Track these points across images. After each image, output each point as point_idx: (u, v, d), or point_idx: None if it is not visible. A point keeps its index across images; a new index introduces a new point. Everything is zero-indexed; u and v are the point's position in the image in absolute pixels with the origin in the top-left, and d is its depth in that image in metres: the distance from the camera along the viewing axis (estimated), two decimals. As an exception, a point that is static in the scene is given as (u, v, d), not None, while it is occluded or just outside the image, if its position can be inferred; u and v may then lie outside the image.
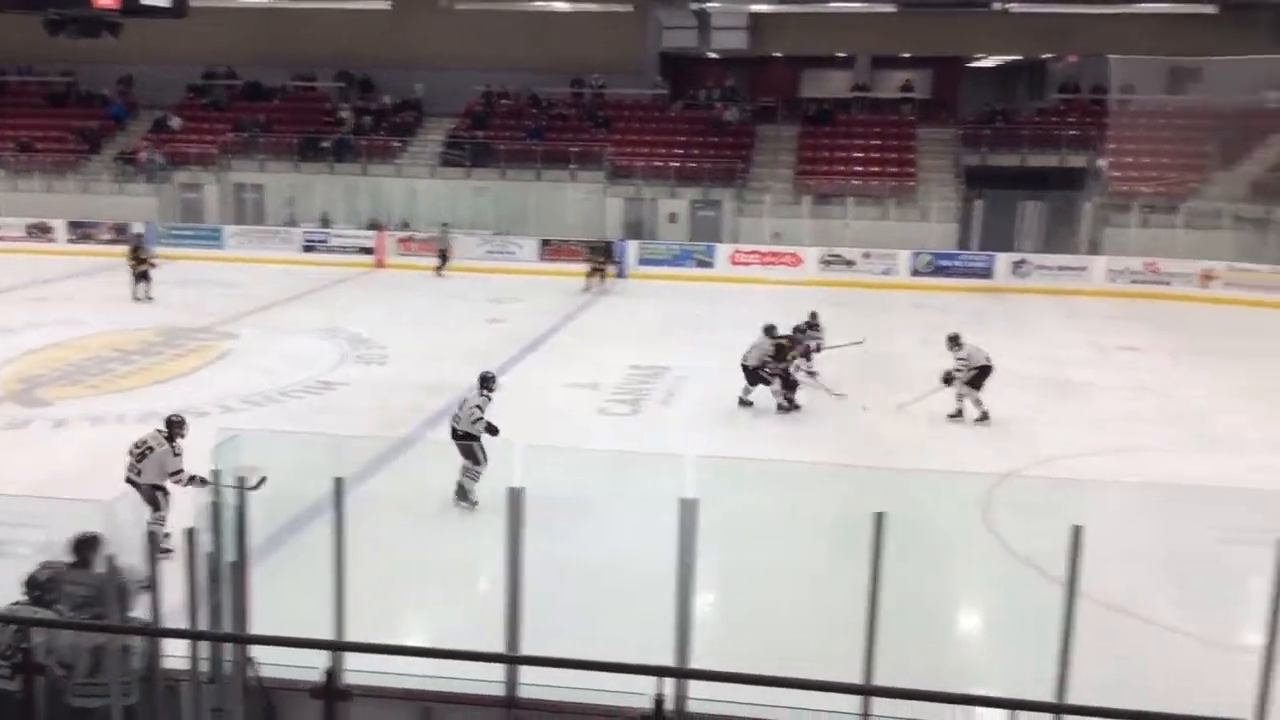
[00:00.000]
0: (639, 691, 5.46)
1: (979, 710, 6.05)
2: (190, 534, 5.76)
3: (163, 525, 9.76)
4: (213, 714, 5.78)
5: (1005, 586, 10.15)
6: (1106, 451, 14.34)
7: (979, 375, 15.16)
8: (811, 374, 16.83)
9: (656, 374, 17.88)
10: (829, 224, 29.37)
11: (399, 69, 34.32)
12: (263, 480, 10.54)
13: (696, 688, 5.93)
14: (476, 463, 11.56)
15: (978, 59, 36.47)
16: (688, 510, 5.72)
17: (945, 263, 28.17)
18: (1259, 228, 27.45)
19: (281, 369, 17.65)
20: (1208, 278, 26.64)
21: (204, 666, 5.83)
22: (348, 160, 32.62)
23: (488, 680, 5.96)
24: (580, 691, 5.85)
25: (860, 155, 32.14)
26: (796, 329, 16.60)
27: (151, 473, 9.96)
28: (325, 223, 31.32)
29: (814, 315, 17.56)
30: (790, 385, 15.82)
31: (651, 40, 34.46)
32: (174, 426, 10.18)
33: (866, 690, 5.70)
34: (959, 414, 15.27)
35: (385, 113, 34.38)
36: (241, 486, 10.42)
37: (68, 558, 6.36)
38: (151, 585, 5.64)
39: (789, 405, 15.80)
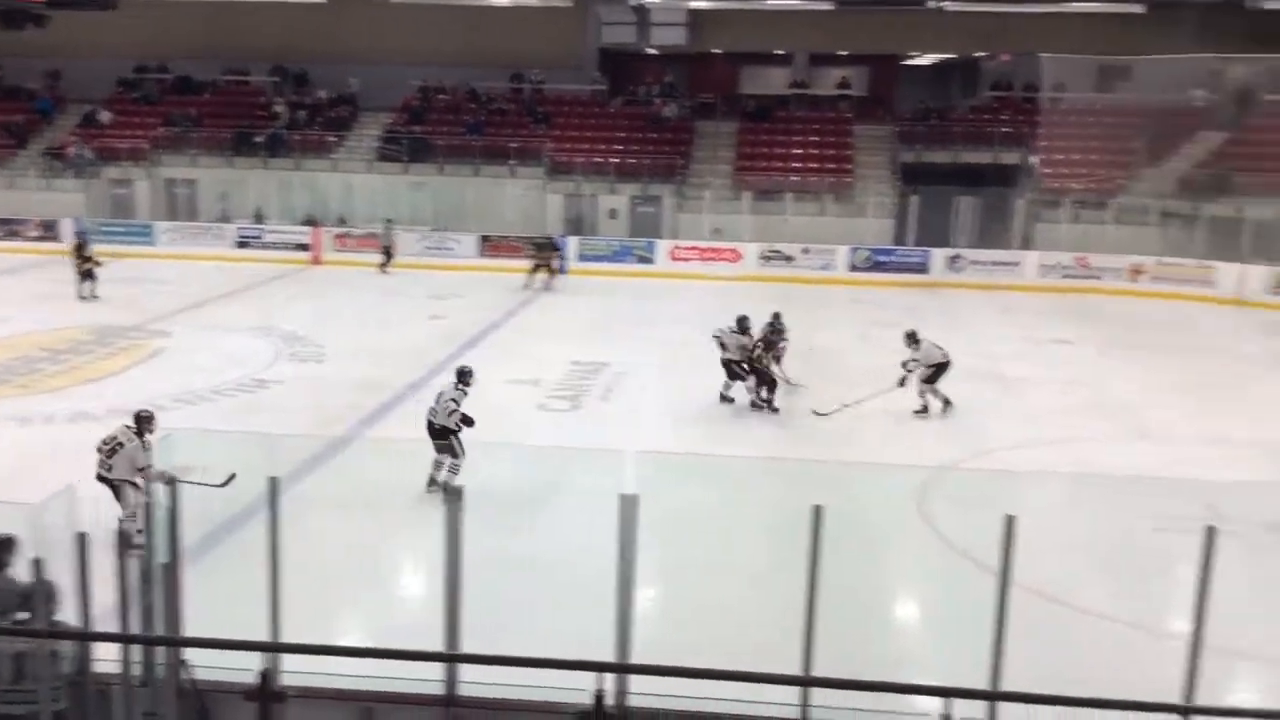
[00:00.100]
0: (579, 687, 5.46)
1: (915, 698, 6.11)
2: (120, 535, 5.65)
3: (134, 521, 9.65)
4: (145, 718, 5.68)
5: (941, 577, 10.29)
6: (1040, 444, 14.59)
7: (936, 371, 15.31)
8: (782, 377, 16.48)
9: (597, 370, 17.87)
10: (768, 220, 29.56)
11: (334, 63, 33.93)
12: (232, 477, 10.51)
13: (637, 682, 5.94)
14: (455, 456, 11.70)
15: (913, 57, 36.87)
16: (627, 505, 5.72)
17: (882, 258, 28.47)
18: (1185, 223, 28.07)
19: (215, 367, 17.38)
20: (1136, 272, 27.20)
21: (136, 670, 5.73)
22: (282, 155, 32.18)
23: (427, 679, 5.92)
24: (521, 689, 5.83)
25: (799, 152, 32.38)
26: (771, 332, 16.12)
27: (122, 468, 9.94)
28: (259, 219, 30.89)
29: (777, 316, 16.99)
30: (770, 385, 15.58)
31: (591, 35, 34.41)
32: (142, 422, 10.19)
33: (805, 681, 5.74)
34: (924, 409, 15.39)
35: (320, 107, 33.98)
36: (211, 484, 10.40)
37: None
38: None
39: (763, 405, 15.61)
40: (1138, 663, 8.17)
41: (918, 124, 32.81)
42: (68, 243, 25.72)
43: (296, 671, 5.84)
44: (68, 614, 5.70)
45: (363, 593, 9.69)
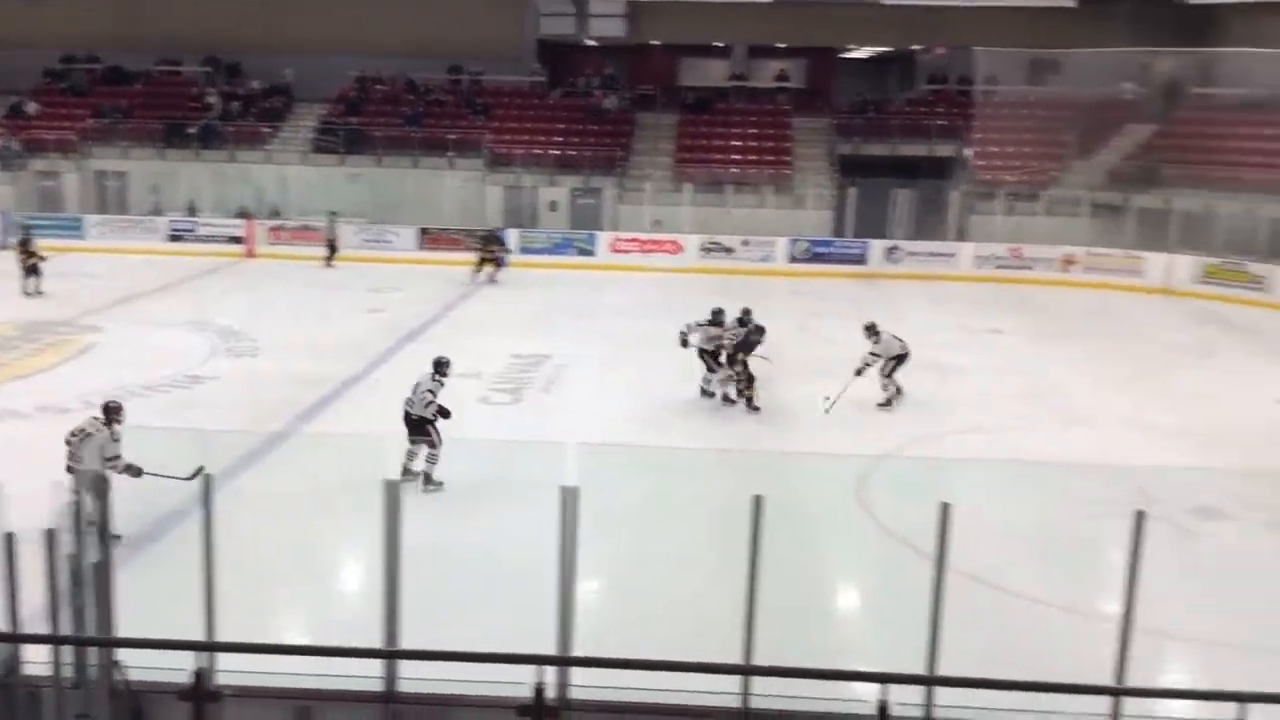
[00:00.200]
0: (521, 681, 5.45)
1: (854, 685, 6.18)
2: (50, 535, 5.53)
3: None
4: (78, 720, 5.58)
5: (880, 564, 10.42)
6: (974, 431, 14.81)
7: (896, 363, 15.42)
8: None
9: (538, 362, 17.83)
10: (709, 212, 29.66)
11: (268, 53, 33.40)
12: (200, 470, 10.33)
13: (579, 675, 5.94)
14: (434, 445, 11.72)
15: (850, 50, 37.17)
16: (569, 498, 5.71)
17: (821, 250, 28.71)
18: (1115, 214, 28.63)
19: (147, 363, 17.06)
20: (1068, 262, 27.70)
21: (67, 672, 5.62)
22: (215, 147, 31.66)
23: (366, 676, 5.88)
24: (462, 684, 5.81)
25: (738, 144, 32.52)
26: (751, 331, 15.45)
27: (92, 459, 9.88)
28: (192, 211, 30.36)
29: (748, 313, 16.44)
30: (749, 382, 15.25)
31: (529, 27, 34.26)
32: (111, 412, 10.18)
33: (745, 670, 5.78)
34: (889, 402, 15.48)
35: (254, 98, 33.46)
36: (178, 477, 10.25)
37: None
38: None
39: (734, 401, 15.46)
40: (1071, 645, 8.35)
41: (855, 117, 33.09)
42: (12, 239, 25.06)
43: (233, 670, 5.77)
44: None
45: (301, 590, 9.59)
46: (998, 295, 25.73)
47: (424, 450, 11.76)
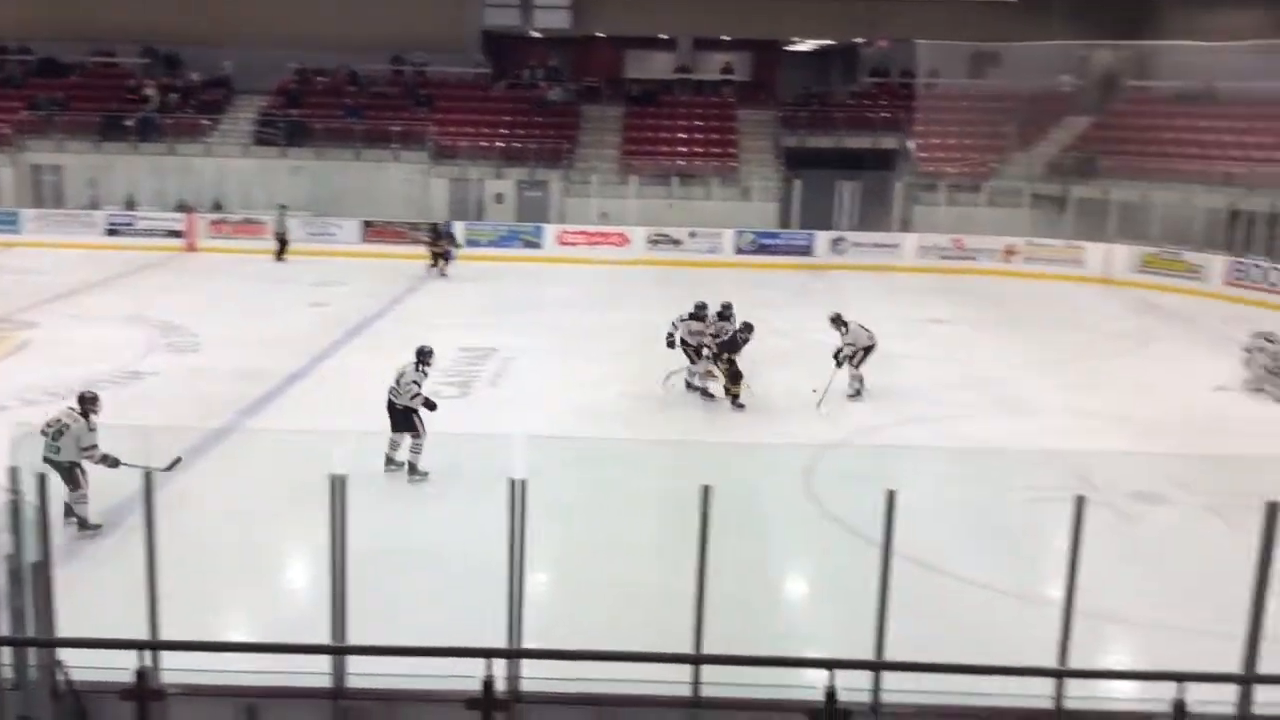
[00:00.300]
0: (470, 675, 5.44)
1: (803, 671, 6.24)
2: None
3: (85, 503, 9.94)
4: (18, 722, 5.49)
5: (827, 552, 10.49)
6: (919, 419, 14.98)
7: (865, 354, 15.51)
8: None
9: (485, 356, 17.74)
10: (655, 204, 29.68)
11: (206, 44, 32.87)
12: (177, 461, 10.23)
13: (530, 667, 5.94)
14: (417, 435, 11.81)
15: (794, 43, 37.35)
16: (517, 490, 5.71)
17: (768, 241, 28.85)
18: (1055, 205, 29.07)
19: (86, 359, 16.73)
20: (1009, 253, 28.07)
21: (8, 673, 5.52)
22: (153, 139, 31.12)
23: (314, 672, 5.83)
24: (411, 679, 5.79)
25: (684, 136, 32.58)
26: (739, 330, 15.19)
27: (70, 450, 9.91)
28: (130, 205, 29.83)
29: (727, 306, 16.25)
30: (736, 379, 14.97)
31: (473, 17, 34.01)
32: (87, 402, 10.16)
33: (696, 659, 5.81)
34: (858, 394, 15.54)
35: (193, 90, 32.93)
36: (155, 468, 10.05)
37: None
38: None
39: (713, 396, 15.31)
40: (1015, 628, 8.48)
41: (800, 109, 33.29)
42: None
43: (179, 669, 5.71)
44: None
45: (247, 587, 9.48)
46: (941, 285, 26.01)
47: (408, 440, 11.85)
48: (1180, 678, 5.34)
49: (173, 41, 33.54)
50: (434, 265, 25.65)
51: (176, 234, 28.87)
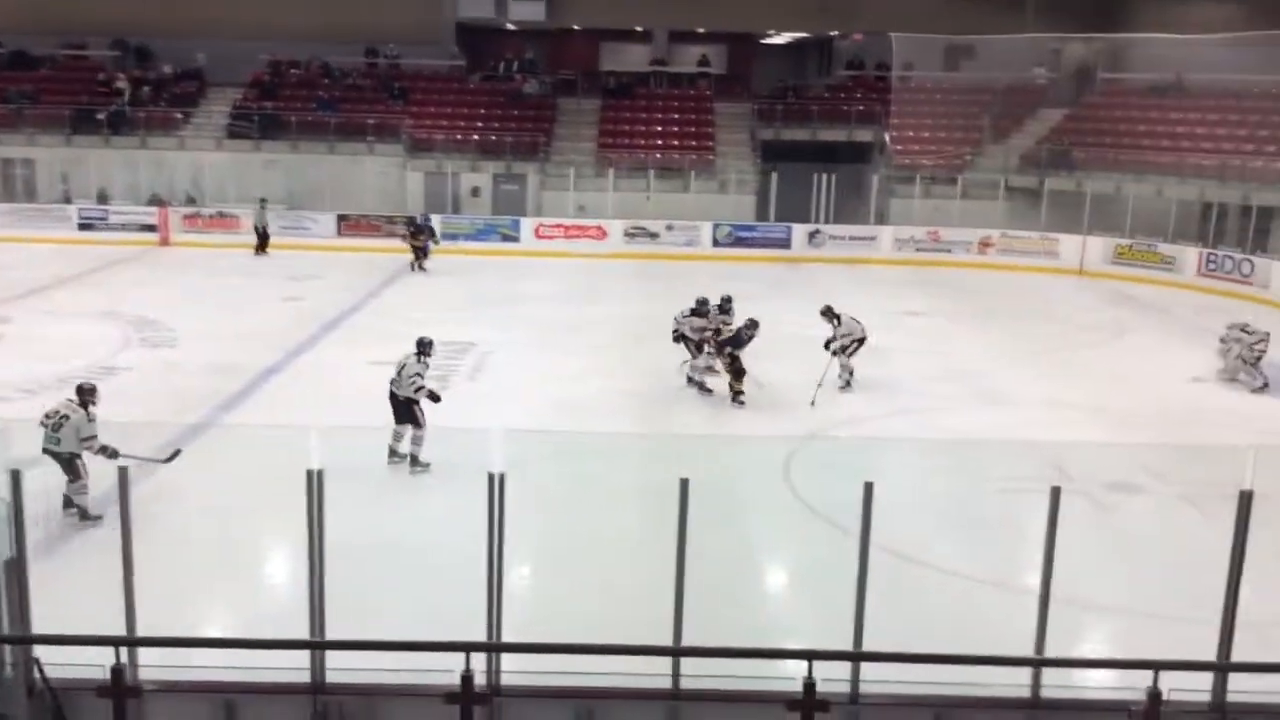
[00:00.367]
0: (450, 669, 5.43)
1: (782, 662, 6.26)
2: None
3: (85, 493, 10.06)
4: (-6, 721, 5.45)
5: (806, 543, 10.54)
6: (896, 411, 15.05)
7: (857, 345, 15.65)
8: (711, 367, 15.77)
9: (464, 350, 17.69)
10: (633, 197, 29.64)
11: (178, 36, 32.60)
12: (177, 453, 10.34)
13: (511, 661, 5.94)
14: (419, 426, 11.85)
15: (770, 35, 37.37)
16: (495, 484, 5.70)
17: (745, 234, 28.88)
18: (1029, 197, 29.22)
19: (60, 354, 16.58)
20: (985, 245, 28.20)
21: (-18, 672, 5.48)
22: (125, 133, 30.83)
23: (293, 668, 5.81)
24: (391, 673, 5.77)
25: (660, 129, 32.55)
26: (745, 326, 15.02)
27: (70, 441, 10.02)
28: (103, 199, 29.56)
29: (728, 299, 16.38)
30: (739, 375, 14.81)
31: (447, 9, 33.87)
32: (85, 394, 10.29)
33: (675, 651, 5.82)
34: (849, 384, 15.65)
35: (165, 82, 32.64)
36: (155, 460, 10.22)
37: None
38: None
39: (711, 391, 15.27)
40: (992, 618, 8.54)
41: (775, 102, 33.31)
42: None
43: (156, 665, 5.67)
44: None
45: (224, 583, 9.43)
46: (917, 278, 26.11)
47: (410, 431, 11.89)
48: (1156, 666, 5.39)
49: (144, 33, 33.25)
50: (416, 261, 25.48)
51: (150, 228, 28.62)
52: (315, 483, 5.71)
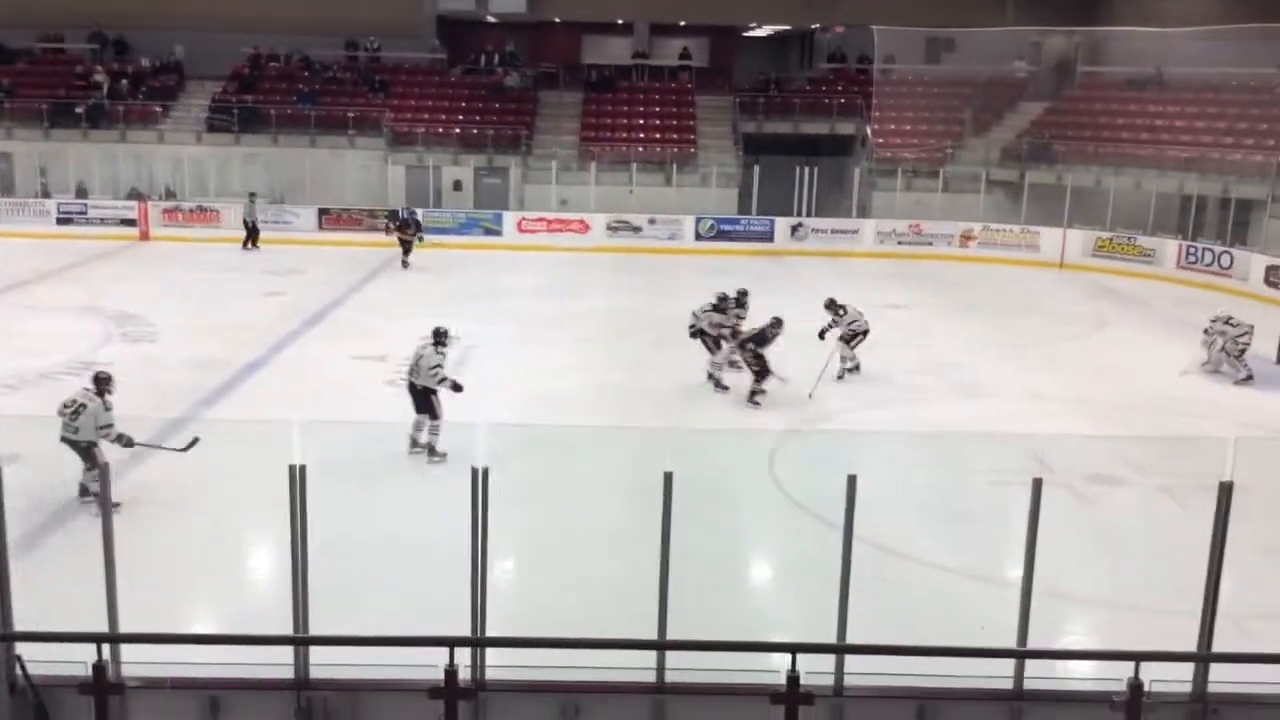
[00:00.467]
0: (435, 664, 5.43)
1: (767, 655, 6.27)
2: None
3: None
4: (-26, 719, 5.42)
5: (790, 536, 10.56)
6: (878, 404, 15.09)
7: (862, 337, 15.90)
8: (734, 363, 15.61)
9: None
10: (615, 190, 29.60)
11: (156, 29, 32.38)
12: (195, 441, 10.42)
13: (495, 656, 5.93)
14: (435, 416, 11.94)
15: (751, 28, 37.36)
16: (479, 478, 5.69)
17: (728, 227, 28.89)
18: (1010, 190, 29.32)
19: (40, 350, 16.47)
20: (966, 238, 28.29)
21: (-38, 670, 5.44)
22: (104, 127, 30.61)
23: (277, 664, 5.79)
24: (375, 668, 5.76)
25: (642, 122, 32.51)
26: (769, 325, 14.81)
27: (88, 430, 10.14)
28: (82, 193, 29.34)
29: (743, 293, 16.31)
30: (763, 374, 14.57)
31: (428, 2, 33.74)
32: (102, 383, 10.49)
33: (660, 645, 5.83)
34: (855, 370, 16.01)
35: (143, 76, 32.41)
36: (173, 449, 10.40)
37: None
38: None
39: (728, 387, 15.17)
40: (975, 610, 8.57)
41: (757, 95, 33.29)
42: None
43: (139, 662, 5.65)
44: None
45: (208, 578, 9.39)
46: (900, 271, 26.17)
47: (427, 422, 11.97)
48: (1137, 657, 5.43)
49: (122, 26, 33.01)
50: (406, 255, 25.25)
51: (129, 222, 28.44)
52: (298, 478, 5.68)
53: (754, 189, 29.31)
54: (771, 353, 14.66)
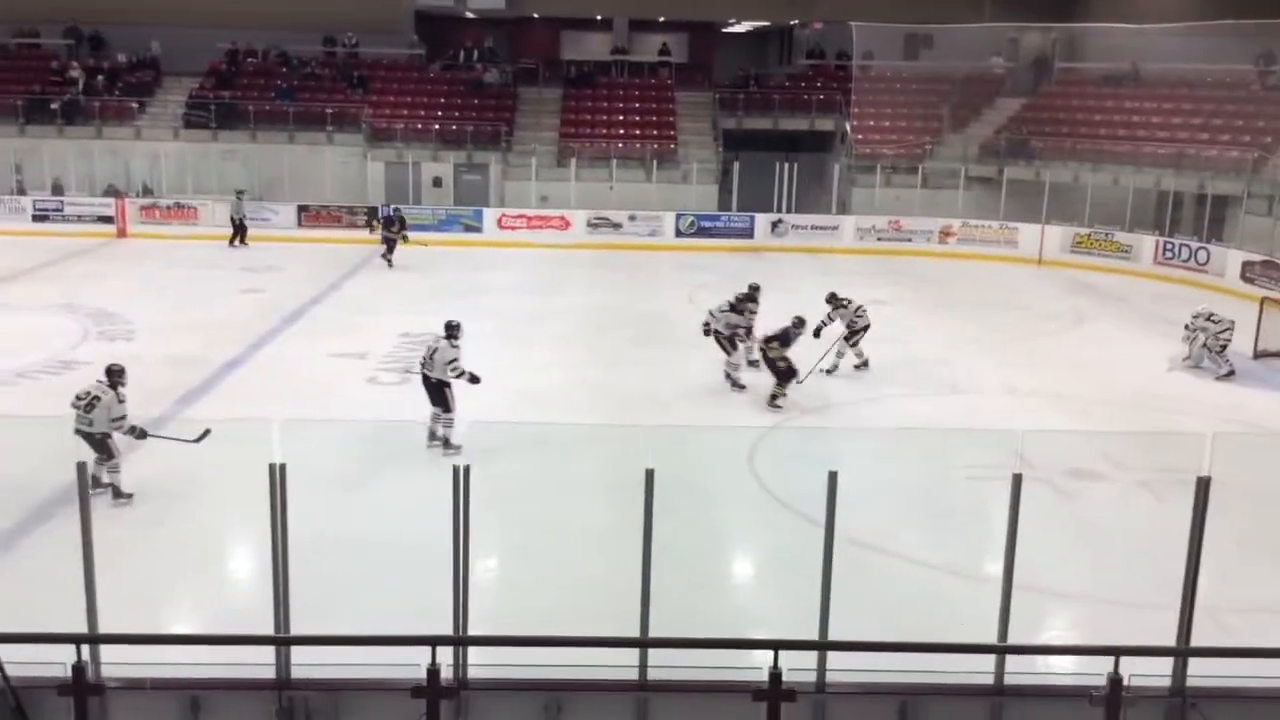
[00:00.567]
0: (416, 663, 5.41)
1: (749, 652, 6.29)
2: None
3: (119, 471, 10.32)
4: (-49, 722, 5.37)
5: (772, 532, 10.58)
6: (859, 400, 15.14)
7: (864, 331, 16.11)
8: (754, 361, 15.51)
9: (426, 341, 17.55)
10: (596, 187, 29.57)
11: (132, 24, 32.08)
12: (206, 432, 10.40)
13: (478, 655, 5.92)
14: (448, 409, 12.03)
15: (730, 24, 37.38)
16: (460, 476, 5.68)
17: (708, 224, 28.90)
18: (989, 186, 29.44)
19: (16, 349, 16.33)
20: (945, 234, 28.38)
21: (-61, 673, 5.40)
22: (80, 123, 30.36)
23: (258, 664, 5.77)
24: (356, 668, 5.74)
25: (622, 118, 32.49)
26: (791, 325, 14.71)
27: (102, 421, 10.25)
28: (57, 190, 29.11)
29: (755, 288, 16.18)
30: (787, 377, 14.42)
31: (407, -3, 33.65)
32: (114, 375, 10.59)
33: (642, 643, 5.83)
34: (866, 364, 16.22)
35: (120, 71, 32.17)
36: (184, 439, 10.28)
37: None
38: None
39: (744, 386, 15.11)
40: (956, 606, 8.61)
41: (737, 91, 33.32)
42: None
43: (119, 663, 5.61)
44: None
45: (188, 578, 9.33)
46: (879, 267, 26.22)
47: (442, 414, 12.03)
48: (1117, 652, 5.46)
49: (97, 22, 32.73)
50: (390, 253, 25.08)
51: (106, 219, 28.24)
52: (278, 477, 5.66)
53: (734, 185, 29.33)
54: (791, 353, 14.64)
